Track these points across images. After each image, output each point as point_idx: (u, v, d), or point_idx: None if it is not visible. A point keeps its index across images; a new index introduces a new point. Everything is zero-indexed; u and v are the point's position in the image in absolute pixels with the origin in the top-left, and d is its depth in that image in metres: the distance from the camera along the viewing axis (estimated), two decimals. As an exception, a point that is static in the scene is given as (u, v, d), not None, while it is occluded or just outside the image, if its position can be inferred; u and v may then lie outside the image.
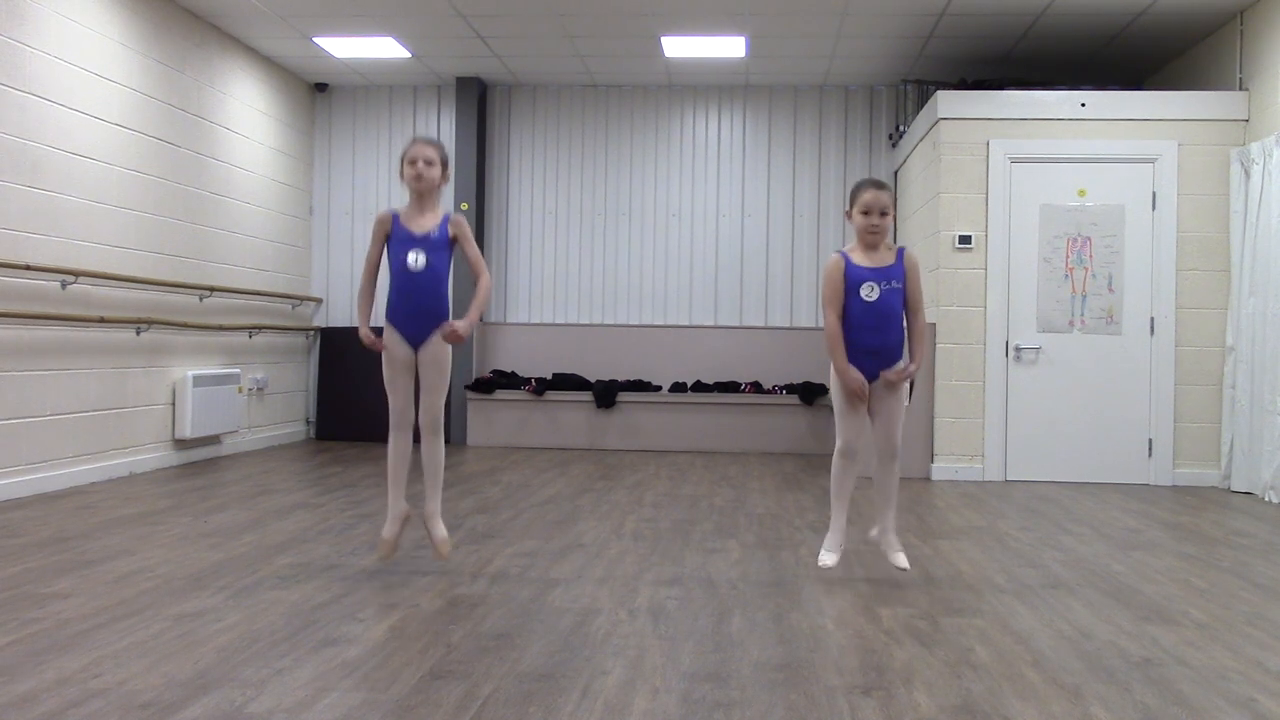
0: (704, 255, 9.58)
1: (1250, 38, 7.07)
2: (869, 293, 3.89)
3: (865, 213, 3.90)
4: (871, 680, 2.89)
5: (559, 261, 9.70)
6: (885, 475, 4.09)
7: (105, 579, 3.90)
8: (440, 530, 4.12)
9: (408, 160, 4.03)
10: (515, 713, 2.59)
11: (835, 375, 3.98)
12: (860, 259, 3.94)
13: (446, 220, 4.04)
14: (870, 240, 3.93)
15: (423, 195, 4.03)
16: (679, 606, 3.65)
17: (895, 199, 4.07)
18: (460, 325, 3.99)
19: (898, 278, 3.92)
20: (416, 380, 4.06)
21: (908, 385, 4.06)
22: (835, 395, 4.02)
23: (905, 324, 4.00)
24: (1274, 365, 6.44)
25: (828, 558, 4.11)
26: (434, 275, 3.99)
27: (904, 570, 4.07)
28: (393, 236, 4.02)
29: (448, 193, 9.56)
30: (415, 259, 3.96)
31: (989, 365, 7.28)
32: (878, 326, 3.92)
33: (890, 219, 3.92)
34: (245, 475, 6.96)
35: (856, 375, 3.91)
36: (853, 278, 3.91)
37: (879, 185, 3.95)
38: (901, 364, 3.99)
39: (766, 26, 7.79)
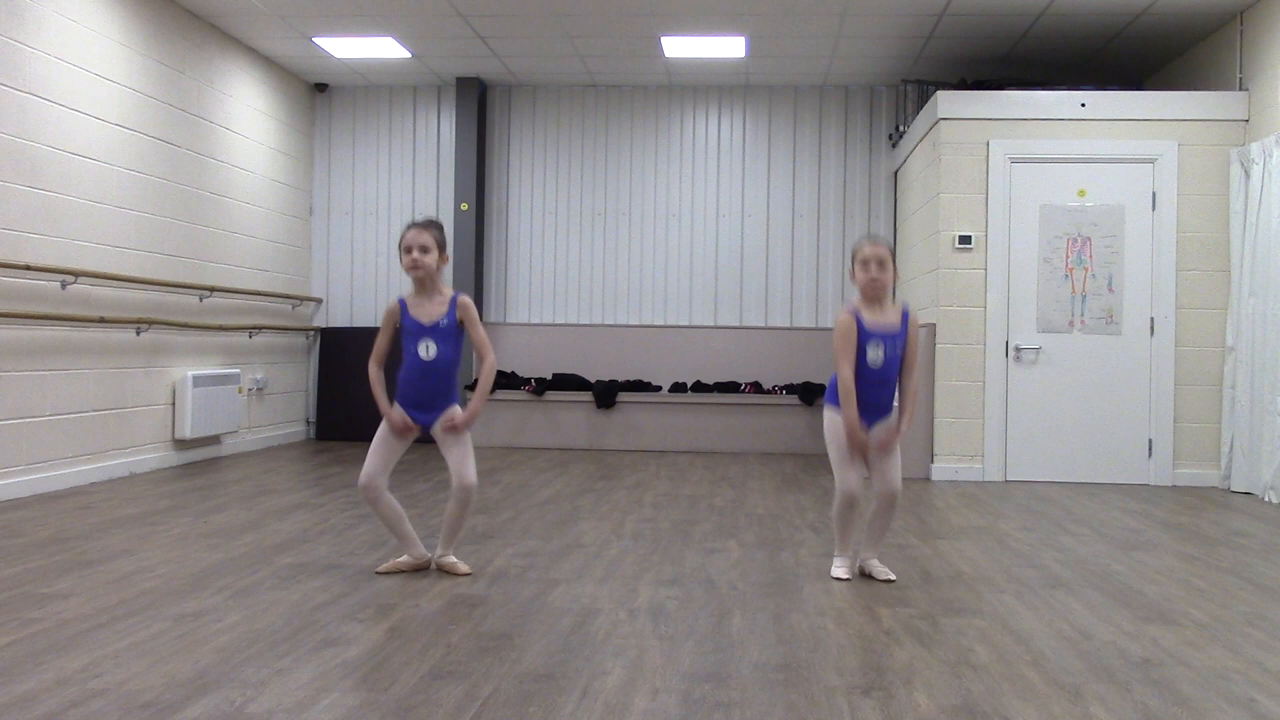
0: (704, 255, 9.58)
1: (1250, 38, 7.07)
2: (875, 353, 3.94)
3: (865, 267, 3.95)
4: (871, 680, 2.89)
5: (559, 261, 9.70)
6: (883, 518, 4.14)
7: (105, 579, 3.91)
8: (457, 566, 4.11)
9: (403, 248, 3.95)
10: (515, 713, 2.59)
11: (831, 423, 4.02)
12: (868, 316, 3.97)
13: (454, 305, 3.98)
14: (872, 293, 3.97)
15: (422, 282, 3.98)
16: (679, 606, 3.65)
17: (895, 253, 4.08)
18: (460, 418, 3.95)
19: (902, 340, 3.99)
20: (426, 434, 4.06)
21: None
22: (832, 442, 4.05)
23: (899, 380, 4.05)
24: (1274, 365, 6.44)
25: (840, 570, 4.15)
26: (445, 361, 3.98)
27: (892, 580, 4.09)
28: (403, 327, 3.99)
29: (447, 193, 9.57)
30: (426, 349, 3.95)
31: (989, 365, 7.27)
32: (878, 384, 3.98)
33: (890, 272, 3.95)
34: (245, 475, 6.96)
35: (864, 435, 3.95)
36: (863, 336, 3.95)
37: (876, 240, 4.04)
38: (893, 421, 4.03)
39: (766, 26, 7.79)
